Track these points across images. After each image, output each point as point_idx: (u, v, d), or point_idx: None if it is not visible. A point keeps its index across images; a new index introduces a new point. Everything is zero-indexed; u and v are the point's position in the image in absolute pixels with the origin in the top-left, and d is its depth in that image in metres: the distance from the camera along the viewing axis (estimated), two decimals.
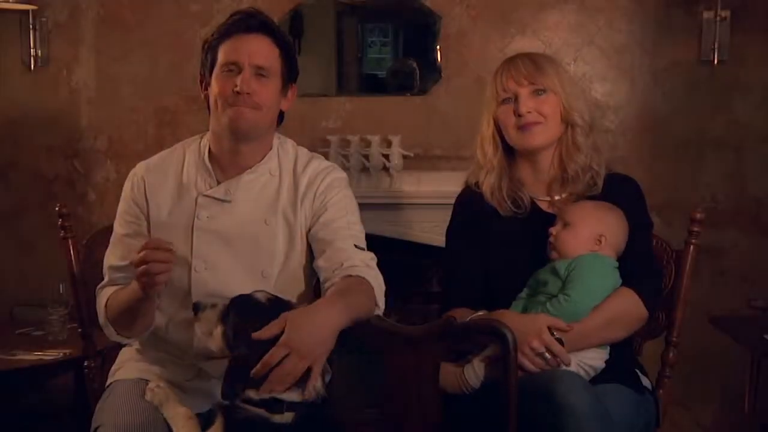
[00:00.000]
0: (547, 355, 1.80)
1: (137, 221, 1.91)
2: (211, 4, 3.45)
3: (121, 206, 1.94)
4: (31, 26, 3.49)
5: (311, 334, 1.53)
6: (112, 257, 1.91)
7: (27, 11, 3.45)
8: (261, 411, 1.53)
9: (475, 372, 1.85)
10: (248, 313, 1.59)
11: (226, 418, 1.56)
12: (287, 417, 1.53)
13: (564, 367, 1.82)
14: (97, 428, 1.73)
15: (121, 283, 1.86)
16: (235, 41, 1.83)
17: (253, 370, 1.49)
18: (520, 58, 2.04)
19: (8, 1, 3.30)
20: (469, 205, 2.09)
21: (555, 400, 1.65)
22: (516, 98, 1.99)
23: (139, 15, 3.51)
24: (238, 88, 1.79)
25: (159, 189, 1.90)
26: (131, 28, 3.51)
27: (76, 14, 3.53)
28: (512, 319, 1.82)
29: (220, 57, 1.84)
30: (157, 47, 3.50)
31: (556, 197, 2.03)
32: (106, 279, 1.91)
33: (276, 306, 1.61)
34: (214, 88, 1.85)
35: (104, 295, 1.88)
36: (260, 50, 1.83)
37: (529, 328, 1.81)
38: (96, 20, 3.53)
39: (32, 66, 3.54)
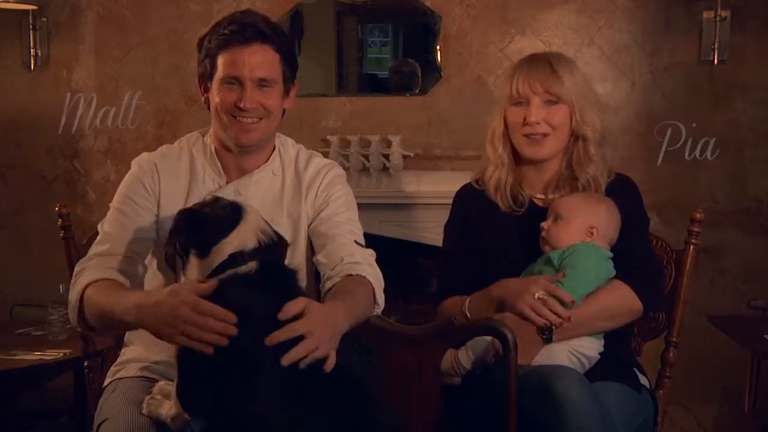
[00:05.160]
0: (548, 300, 1.82)
1: (145, 199, 1.86)
2: (211, 4, 3.46)
3: (126, 188, 1.88)
4: (31, 26, 3.49)
5: (325, 328, 1.52)
6: (107, 227, 1.83)
7: (27, 11, 3.45)
8: (228, 271, 1.54)
9: (468, 355, 1.87)
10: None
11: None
12: (251, 266, 1.54)
13: (558, 358, 1.83)
14: (103, 422, 1.71)
15: (121, 267, 1.77)
16: (234, 54, 1.79)
17: (273, 335, 1.46)
18: (539, 61, 2.01)
19: (8, 1, 3.30)
20: (467, 201, 2.11)
21: (553, 395, 1.65)
22: (528, 103, 1.97)
23: (139, 15, 3.51)
24: (242, 105, 1.79)
25: (171, 180, 1.88)
26: (131, 28, 3.51)
27: (76, 14, 3.53)
28: (509, 281, 1.89)
29: (220, 69, 1.81)
30: (157, 47, 3.50)
31: (551, 195, 2.04)
32: (100, 248, 1.80)
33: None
34: (215, 97, 1.83)
35: (86, 275, 1.74)
36: (261, 63, 1.80)
37: (526, 282, 1.86)
38: (96, 20, 3.53)
39: (32, 66, 3.54)
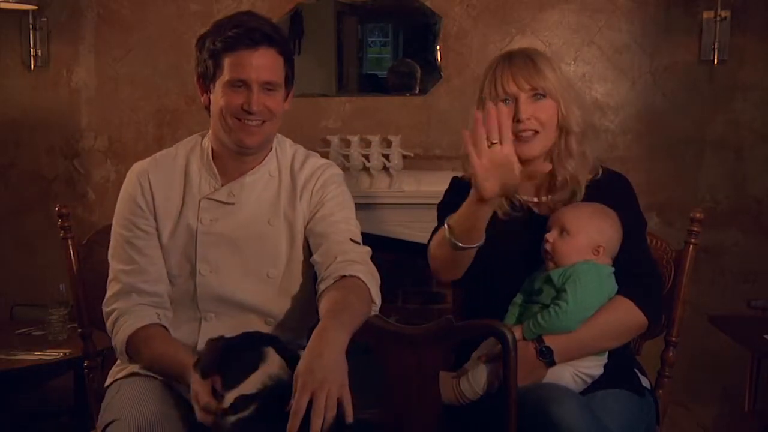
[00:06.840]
0: None
1: (145, 220, 1.86)
2: (211, 4, 3.46)
3: (125, 207, 1.88)
4: (31, 26, 3.50)
5: (323, 366, 1.49)
6: (118, 261, 1.85)
7: (27, 11, 3.46)
8: (230, 417, 1.53)
9: (470, 384, 1.84)
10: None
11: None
12: (251, 409, 1.53)
13: (562, 381, 1.80)
14: (111, 423, 1.70)
15: (143, 301, 1.81)
16: (241, 57, 1.79)
17: (289, 426, 1.43)
18: (520, 57, 1.95)
19: (8, 1, 3.30)
20: (464, 192, 1.93)
21: (552, 422, 1.62)
22: (515, 101, 1.92)
23: (139, 15, 3.51)
24: (249, 108, 1.79)
25: (166, 189, 1.88)
26: (131, 28, 3.52)
27: (76, 14, 3.53)
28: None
29: (226, 72, 1.80)
30: (157, 47, 3.51)
31: (543, 198, 2.00)
32: (117, 287, 1.83)
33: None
34: (218, 99, 1.82)
35: (124, 323, 1.79)
36: (267, 66, 1.81)
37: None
38: (96, 20, 3.53)
39: (32, 66, 3.54)
